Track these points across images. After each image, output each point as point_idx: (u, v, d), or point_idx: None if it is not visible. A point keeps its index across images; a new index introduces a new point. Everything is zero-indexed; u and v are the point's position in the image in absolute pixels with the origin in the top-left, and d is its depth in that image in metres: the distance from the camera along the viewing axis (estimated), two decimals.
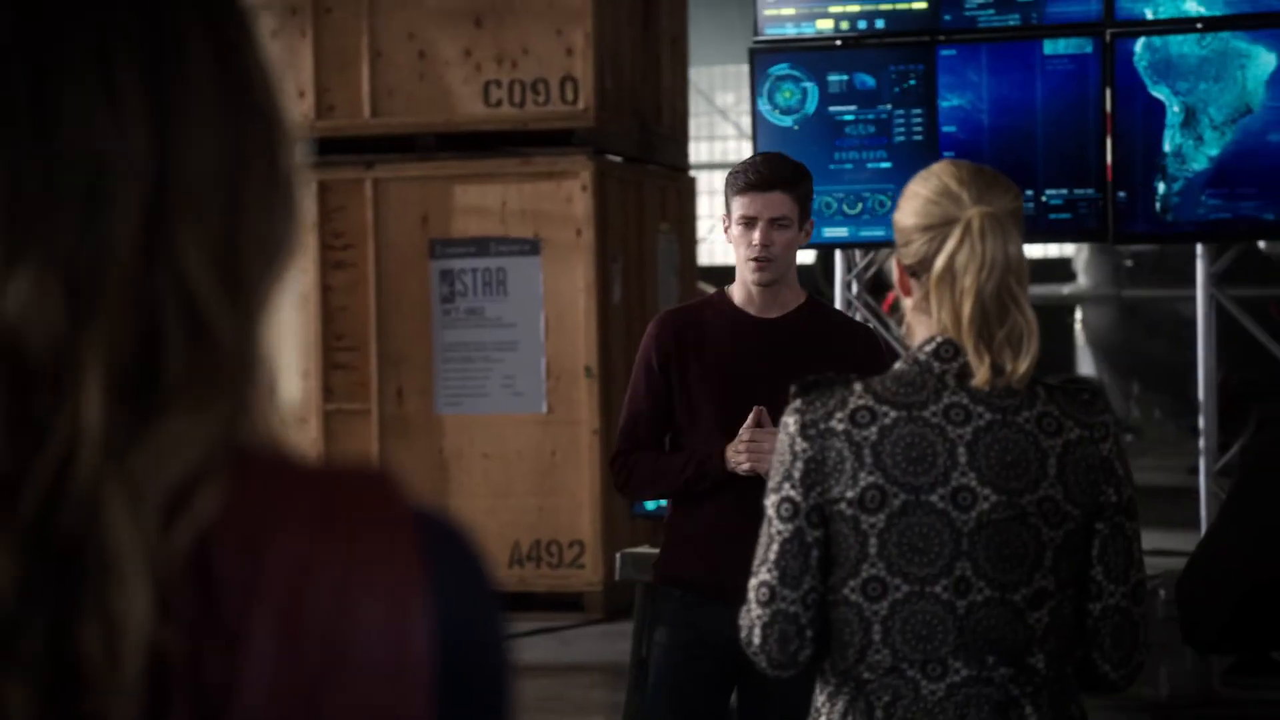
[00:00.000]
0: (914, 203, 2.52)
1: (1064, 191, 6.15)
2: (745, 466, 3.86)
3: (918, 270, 2.50)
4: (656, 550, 4.33)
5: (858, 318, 6.87)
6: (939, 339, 2.47)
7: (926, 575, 2.42)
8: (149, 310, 0.87)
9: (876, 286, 7.75)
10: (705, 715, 4.08)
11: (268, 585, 0.88)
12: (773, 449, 3.79)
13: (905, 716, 2.44)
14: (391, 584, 0.91)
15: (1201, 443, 6.62)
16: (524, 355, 8.07)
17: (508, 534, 8.30)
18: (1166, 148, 6.07)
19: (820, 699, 2.56)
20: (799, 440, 2.47)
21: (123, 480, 0.85)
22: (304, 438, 8.56)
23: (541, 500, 8.25)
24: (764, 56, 6.46)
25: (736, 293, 4.06)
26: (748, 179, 3.96)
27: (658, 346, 4.04)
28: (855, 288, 6.87)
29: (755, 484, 3.91)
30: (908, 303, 2.55)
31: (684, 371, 4.01)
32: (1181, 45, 6.04)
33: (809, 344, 3.99)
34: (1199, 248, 6.55)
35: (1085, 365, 12.53)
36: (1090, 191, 6.14)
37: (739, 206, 3.97)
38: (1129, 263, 11.78)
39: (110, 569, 0.83)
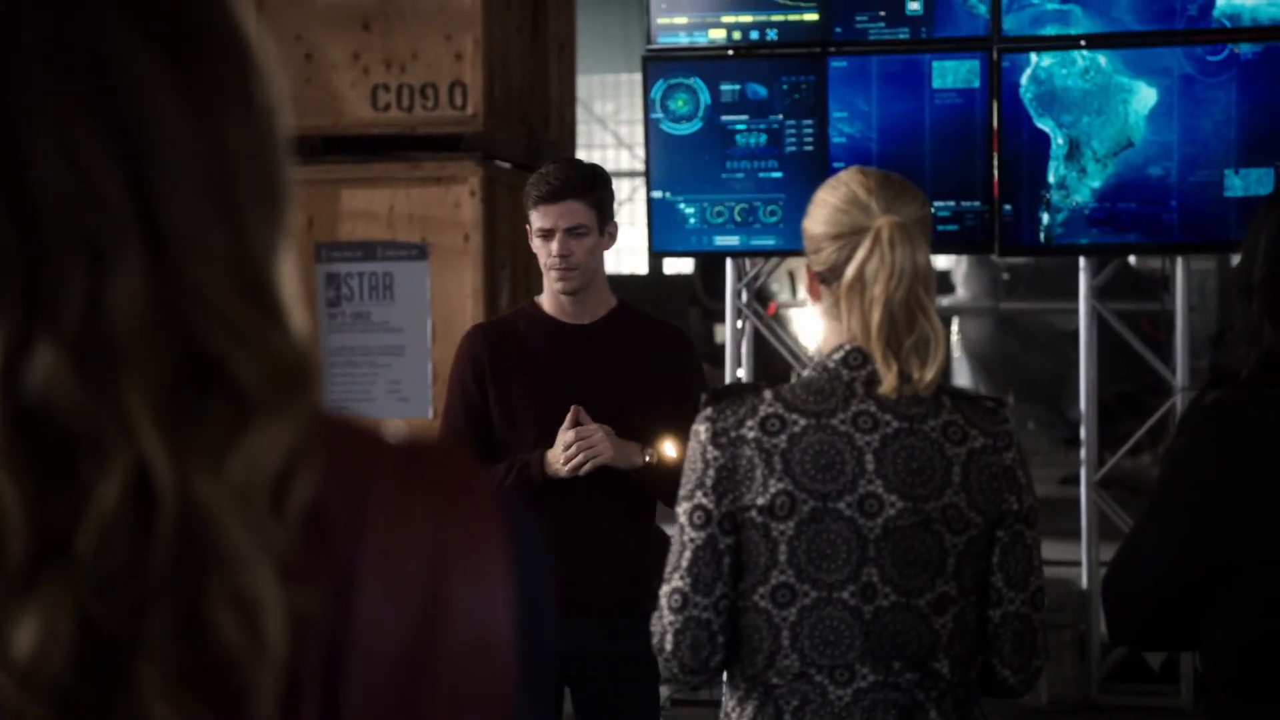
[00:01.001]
0: (823, 211, 2.55)
1: (951, 204, 6.23)
2: (573, 462, 3.84)
3: (828, 277, 2.53)
4: None
5: (746, 326, 6.92)
6: (847, 347, 2.50)
7: (834, 581, 2.45)
8: (186, 344, 0.88)
9: (760, 295, 7.81)
10: None
11: (369, 526, 0.92)
12: (603, 440, 3.82)
13: None
14: (480, 548, 0.95)
15: (1083, 453, 6.73)
16: (411, 360, 8.02)
17: None
18: (1051, 178, 6.17)
19: (730, 704, 2.59)
20: (710, 448, 2.49)
21: (225, 487, 0.87)
22: None
23: None
24: (656, 65, 6.49)
25: (546, 302, 4.05)
26: (540, 191, 3.95)
27: (471, 360, 4.00)
28: (745, 296, 6.91)
29: (577, 498, 3.90)
30: (818, 308, 2.58)
31: (501, 383, 3.98)
32: (1066, 79, 6.15)
33: (624, 348, 4.00)
34: (1081, 262, 6.66)
35: (962, 376, 12.68)
36: (976, 204, 6.23)
37: (536, 218, 3.96)
38: (1006, 275, 11.95)
39: (234, 562, 0.87)
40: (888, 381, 2.46)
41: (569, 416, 3.85)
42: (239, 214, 0.92)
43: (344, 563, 0.92)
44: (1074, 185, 6.15)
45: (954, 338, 12.71)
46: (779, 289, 12.70)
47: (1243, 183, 6.02)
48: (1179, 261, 6.64)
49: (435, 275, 8.01)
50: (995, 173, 6.20)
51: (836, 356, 2.51)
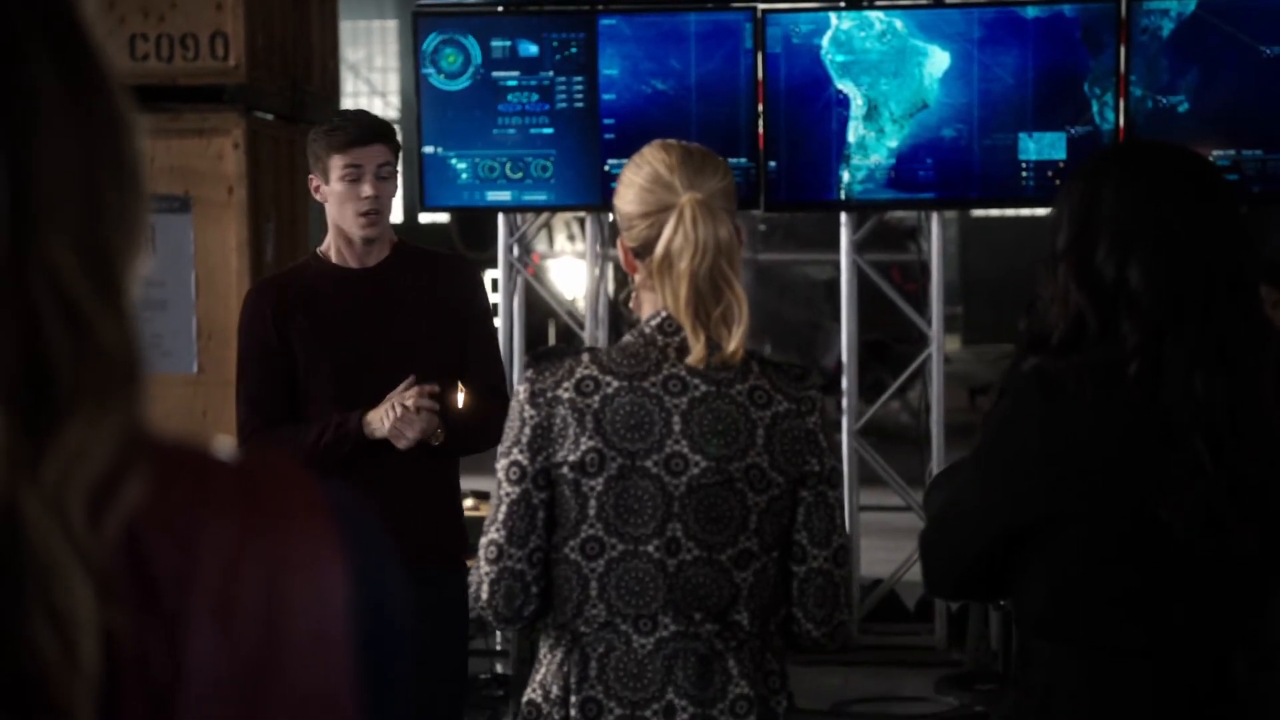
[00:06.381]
0: (630, 190, 2.66)
1: None
2: (387, 431, 3.91)
3: (641, 253, 2.65)
4: None
5: (518, 280, 6.99)
6: (663, 314, 2.62)
7: (640, 535, 2.57)
8: (31, 324, 0.87)
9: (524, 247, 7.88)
10: None
11: (203, 573, 0.92)
12: (415, 431, 3.86)
13: (617, 667, 2.60)
14: (315, 565, 0.96)
15: (844, 402, 6.93)
16: (173, 315, 7.91)
17: None
18: (851, 138, 6.36)
19: (542, 650, 2.70)
20: (528, 407, 2.60)
21: (37, 490, 0.85)
22: None
23: None
24: (427, 20, 6.50)
25: (330, 251, 4.11)
26: (349, 135, 4.00)
27: (260, 317, 4.04)
28: (516, 250, 6.97)
29: (391, 462, 3.96)
30: (636, 279, 2.70)
31: (295, 336, 4.02)
32: (864, 41, 6.33)
33: (407, 285, 4.08)
34: (843, 217, 6.87)
35: None
36: (743, 161, 6.38)
37: (343, 159, 3.99)
38: (763, 228, 12.19)
39: (47, 570, 0.85)
40: (696, 352, 2.58)
41: (405, 384, 3.91)
42: (103, 206, 0.92)
43: (176, 607, 0.91)
44: (872, 145, 6.35)
45: None
46: (538, 240, 12.79)
47: (1036, 146, 6.28)
48: (934, 215, 6.88)
49: (198, 228, 7.90)
50: (761, 128, 6.36)
51: (653, 323, 2.63)
